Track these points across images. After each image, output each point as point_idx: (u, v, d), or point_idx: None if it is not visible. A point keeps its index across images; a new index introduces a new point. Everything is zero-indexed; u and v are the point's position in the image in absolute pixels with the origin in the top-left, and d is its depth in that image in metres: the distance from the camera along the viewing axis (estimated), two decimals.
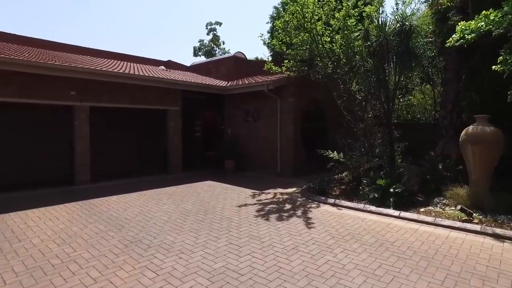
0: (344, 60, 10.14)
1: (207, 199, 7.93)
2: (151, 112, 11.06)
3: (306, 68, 10.39)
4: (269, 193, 8.79)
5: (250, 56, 18.99)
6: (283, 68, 10.31)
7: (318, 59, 10.11)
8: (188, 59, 62.40)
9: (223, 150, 12.19)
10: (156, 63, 16.71)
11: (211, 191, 8.93)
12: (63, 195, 8.15)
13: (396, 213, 6.57)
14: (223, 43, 35.50)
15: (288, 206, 7.38)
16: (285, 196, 8.38)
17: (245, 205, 7.48)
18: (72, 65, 8.43)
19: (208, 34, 35.76)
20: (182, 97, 11.68)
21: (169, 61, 17.54)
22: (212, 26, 35.62)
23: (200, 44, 35.14)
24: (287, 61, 10.37)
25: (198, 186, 9.59)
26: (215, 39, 35.17)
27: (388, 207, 6.96)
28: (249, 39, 58.23)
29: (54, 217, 6.28)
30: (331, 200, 7.68)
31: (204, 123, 15.01)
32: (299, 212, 6.90)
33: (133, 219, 6.27)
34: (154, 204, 7.42)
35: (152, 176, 10.88)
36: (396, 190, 7.05)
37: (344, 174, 8.28)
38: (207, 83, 12.27)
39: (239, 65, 15.36)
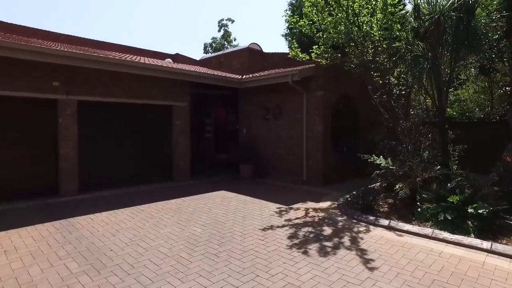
0: (384, 45, 8.29)
1: (221, 218, 6.17)
2: (154, 109, 9.34)
3: (339, 55, 8.56)
4: (298, 209, 6.99)
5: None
6: (313, 55, 8.49)
7: (353, 44, 8.29)
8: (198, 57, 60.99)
9: (237, 153, 10.43)
10: (162, 56, 15.04)
11: (225, 205, 7.17)
12: (40, 211, 6.47)
13: (485, 244, 4.70)
14: (234, 39, 33.86)
15: (328, 230, 5.57)
16: (320, 214, 6.57)
17: (272, 227, 5.70)
18: (53, 47, 6.78)
19: (219, 31, 34.17)
20: (190, 92, 9.96)
21: (177, 54, 15.87)
22: (224, 22, 34.01)
23: (212, 41, 33.55)
24: (316, 46, 8.56)
25: (210, 198, 7.84)
26: (226, 35, 33.51)
27: (466, 233, 5.11)
28: (262, 36, 56.40)
29: (13, 248, 4.58)
30: (384, 221, 5.85)
31: (216, 122, 13.29)
32: (346, 240, 5.09)
33: (121, 251, 4.54)
34: (152, 225, 5.68)
35: (154, 184, 9.17)
36: (480, 211, 5.18)
37: (398, 187, 6.41)
38: (219, 74, 10.52)
39: (254, 58, 13.58)
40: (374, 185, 8.83)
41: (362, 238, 5.18)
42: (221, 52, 16.97)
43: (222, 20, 34.13)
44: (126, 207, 6.78)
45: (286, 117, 10.08)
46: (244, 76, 11.13)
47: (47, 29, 12.21)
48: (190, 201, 7.48)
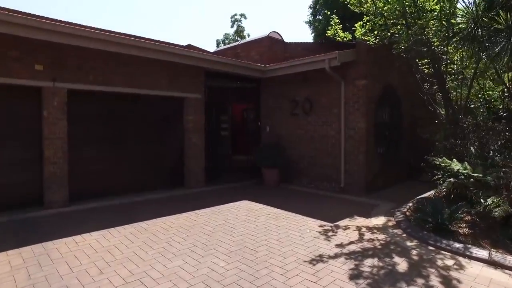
0: (444, 22, 6.61)
1: (250, 242, 4.58)
2: (162, 102, 7.78)
3: (389, 33, 6.89)
4: (347, 227, 5.35)
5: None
6: (358, 33, 6.83)
7: (403, 21, 6.64)
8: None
9: (260, 155, 8.81)
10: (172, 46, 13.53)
11: (252, 221, 5.58)
12: (10, 230, 4.96)
13: None
14: (248, 35, 32.31)
15: (402, 263, 3.93)
16: (379, 236, 4.92)
17: (321, 258, 4.08)
18: (31, 18, 5.29)
19: (232, 26, 32.70)
20: (205, 84, 8.39)
21: (189, 45, 14.35)
22: (237, 17, 32.54)
23: (225, 37, 32.11)
24: (360, 23, 6.92)
25: (231, 211, 6.26)
26: (239, 31, 32.03)
27: None
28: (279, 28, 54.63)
29: None
30: (480, 252, 4.17)
31: (233, 119, 11.72)
32: (435, 283, 3.44)
33: None
34: (157, 254, 4.13)
35: (161, 191, 7.63)
36: None
37: (490, 201, 4.71)
38: (240, 61, 8.94)
39: (275, 47, 11.93)
40: (430, 193, 7.16)
41: (458, 280, 3.53)
42: (238, 43, 15.37)
43: (234, 15, 32.69)
44: (124, 224, 5.25)
45: (319, 112, 8.44)
46: (269, 64, 9.52)
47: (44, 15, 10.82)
48: (207, 215, 5.91)
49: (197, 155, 8.19)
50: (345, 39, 7.08)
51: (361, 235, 4.99)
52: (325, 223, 5.54)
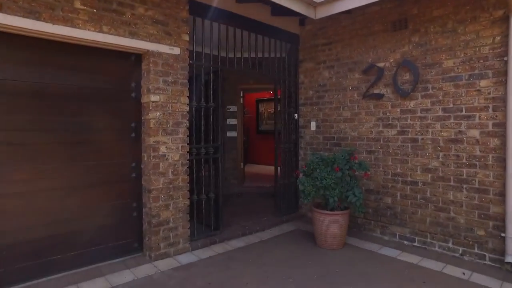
0: None
1: None
2: (103, 64, 3.38)
3: None
4: None
5: None
6: None
7: None
8: None
9: (306, 182, 4.15)
10: None
11: None
12: None
13: None
14: None
15: None
16: None
17: None
18: None
19: None
20: (192, 28, 3.93)
21: None
22: None
23: None
24: None
25: None
26: None
27: None
28: None
29: None
30: None
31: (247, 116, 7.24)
32: None
33: None
34: None
35: (106, 264, 3.23)
36: None
37: None
38: None
39: None
40: None
41: None
42: None
43: None
44: None
45: (438, 90, 3.88)
46: None
47: None
48: None
49: (174, 176, 3.69)
50: None
51: None
52: None
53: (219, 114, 4.35)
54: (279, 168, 5.25)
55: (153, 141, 3.52)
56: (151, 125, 3.51)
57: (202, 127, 4.15)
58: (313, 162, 4.09)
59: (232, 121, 7.02)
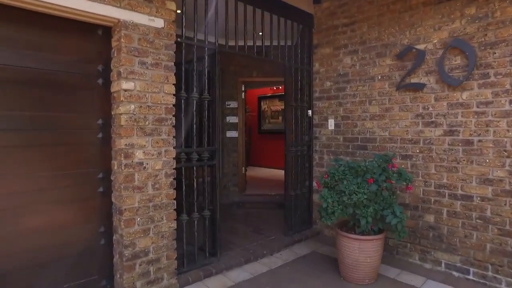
0: None
1: None
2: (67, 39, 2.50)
3: None
4: None
5: None
6: None
7: None
8: None
9: (329, 195, 3.24)
10: None
11: None
12: None
13: None
14: None
15: None
16: None
17: None
18: None
19: None
20: None
21: None
22: None
23: None
24: None
25: None
26: None
27: None
28: None
29: None
30: None
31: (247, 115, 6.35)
32: None
33: None
34: None
35: None
36: None
37: None
38: None
39: None
40: None
41: None
42: None
43: None
44: None
45: (500, 75, 2.96)
46: None
47: None
48: None
49: (151, 195, 2.77)
50: None
51: None
52: None
53: (216, 109, 3.41)
54: (289, 174, 4.31)
55: (125, 144, 2.58)
56: (122, 123, 2.57)
57: (194, 125, 3.21)
58: (338, 171, 3.15)
59: (232, 119, 6.09)
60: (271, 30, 3.97)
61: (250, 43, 3.73)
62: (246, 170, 6.66)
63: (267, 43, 3.96)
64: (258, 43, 3.90)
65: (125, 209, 2.59)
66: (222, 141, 5.97)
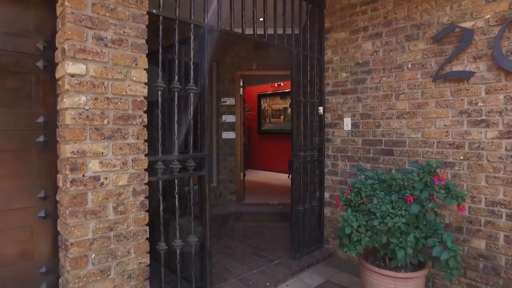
0: None
1: None
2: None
3: None
4: None
5: None
6: None
7: None
8: None
9: (351, 220, 2.46)
10: None
11: None
12: None
13: None
14: None
15: None
16: None
17: None
18: None
19: None
20: None
21: None
22: None
23: None
24: None
25: None
26: None
27: None
28: None
29: None
30: None
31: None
32: None
33: None
34: None
35: None
36: None
37: None
38: None
39: None
40: None
41: None
42: None
43: None
44: None
45: None
46: None
47: None
48: None
49: (111, 221, 2.02)
50: None
51: None
52: None
53: (205, 104, 2.65)
54: (293, 184, 3.55)
55: (72, 152, 1.82)
56: (68, 121, 1.80)
57: (176, 125, 2.44)
58: (365, 185, 2.39)
59: (229, 118, 5.32)
60: (274, 10, 3.20)
61: (249, 31, 2.98)
62: (244, 175, 5.91)
63: (270, 31, 3.19)
64: (260, 31, 3.13)
65: (72, 243, 1.83)
66: (217, 143, 5.24)
